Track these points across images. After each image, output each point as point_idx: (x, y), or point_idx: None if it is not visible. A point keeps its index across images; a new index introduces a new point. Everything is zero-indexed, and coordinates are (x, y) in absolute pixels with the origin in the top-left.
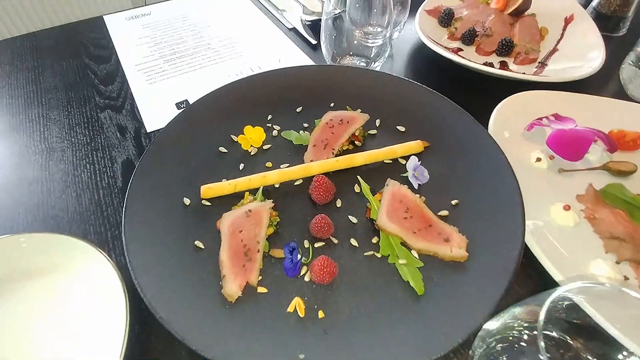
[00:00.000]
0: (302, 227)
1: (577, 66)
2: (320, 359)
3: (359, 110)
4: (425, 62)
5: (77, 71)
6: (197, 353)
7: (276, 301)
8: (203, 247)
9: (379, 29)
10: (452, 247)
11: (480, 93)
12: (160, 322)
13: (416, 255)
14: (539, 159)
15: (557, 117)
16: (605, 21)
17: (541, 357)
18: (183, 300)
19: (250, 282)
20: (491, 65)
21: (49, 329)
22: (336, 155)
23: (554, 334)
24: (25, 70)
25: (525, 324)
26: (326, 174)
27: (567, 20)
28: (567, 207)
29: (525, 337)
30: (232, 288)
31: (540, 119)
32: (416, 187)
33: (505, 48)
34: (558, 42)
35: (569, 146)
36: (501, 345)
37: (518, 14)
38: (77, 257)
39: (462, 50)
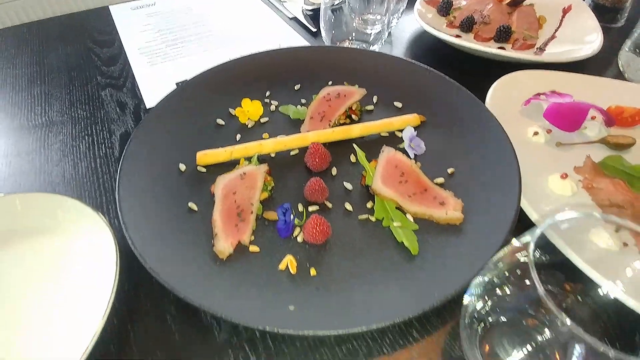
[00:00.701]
0: (296, 193)
1: (576, 49)
2: (311, 312)
3: (357, 86)
4: (423, 49)
5: (81, 54)
6: (185, 304)
7: (268, 260)
8: (196, 209)
9: (378, 17)
10: (448, 210)
11: (479, 77)
12: (149, 282)
13: (411, 219)
14: (536, 133)
15: (555, 93)
16: (603, 12)
17: (537, 288)
18: (174, 256)
19: (242, 242)
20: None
21: (42, 284)
22: (332, 127)
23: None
24: (30, 53)
25: (506, 268)
26: (323, 144)
27: (565, 11)
28: (564, 176)
29: (511, 278)
30: (224, 246)
31: (539, 94)
32: (412, 157)
33: (503, 34)
34: (556, 30)
35: (565, 117)
36: (488, 293)
37: (516, 4)
38: (70, 216)
39: (460, 37)
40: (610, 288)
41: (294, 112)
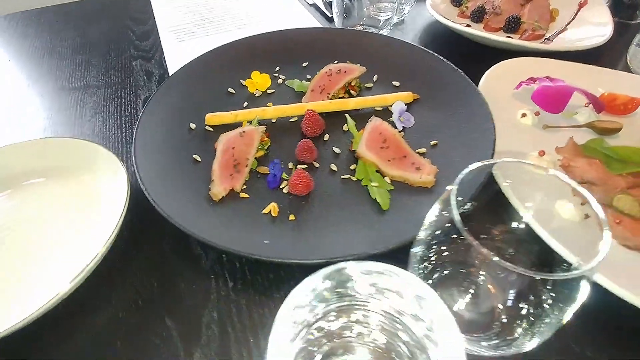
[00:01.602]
0: (289, 153)
1: (584, 39)
2: (281, 245)
3: (358, 65)
4: (435, 37)
5: (119, 30)
6: (180, 237)
7: (254, 205)
8: (200, 160)
9: (389, 4)
10: (422, 174)
11: (485, 64)
12: (154, 218)
13: (388, 181)
14: (524, 115)
15: (548, 78)
16: (622, 9)
17: (458, 226)
18: (175, 194)
19: (234, 189)
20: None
21: (68, 211)
22: (330, 100)
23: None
24: (74, 28)
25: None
26: (318, 114)
27: (581, 5)
28: (541, 153)
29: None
30: (218, 190)
31: (531, 79)
32: (400, 128)
33: (512, 25)
34: (568, 23)
35: (550, 99)
36: (428, 241)
37: None
38: (95, 159)
39: (470, 26)
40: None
41: (298, 85)
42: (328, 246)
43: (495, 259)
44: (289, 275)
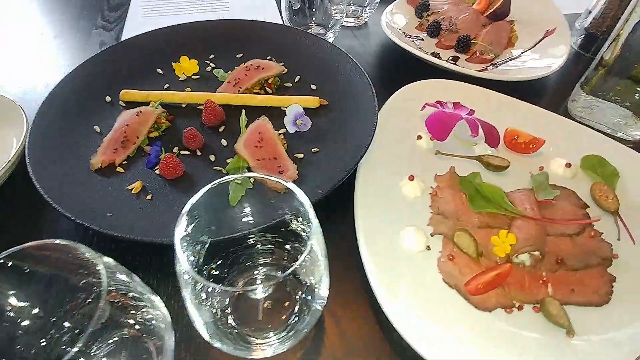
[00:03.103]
0: (181, 138)
1: (529, 70)
2: (122, 220)
3: (282, 63)
4: (390, 43)
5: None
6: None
7: (124, 179)
8: (99, 131)
9: (340, 6)
10: (280, 179)
11: (418, 78)
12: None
13: (252, 180)
14: (419, 137)
15: (456, 105)
16: (593, 43)
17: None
18: (58, 155)
19: (114, 163)
20: (455, 58)
21: None
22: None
23: None
24: None
25: None
26: (228, 106)
27: (547, 33)
28: (411, 178)
29: None
30: (96, 160)
31: (438, 102)
32: (291, 132)
33: (462, 45)
34: (525, 51)
35: (438, 125)
36: None
37: (495, 17)
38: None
39: (422, 40)
40: None
41: (221, 75)
42: (160, 228)
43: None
44: (128, 249)
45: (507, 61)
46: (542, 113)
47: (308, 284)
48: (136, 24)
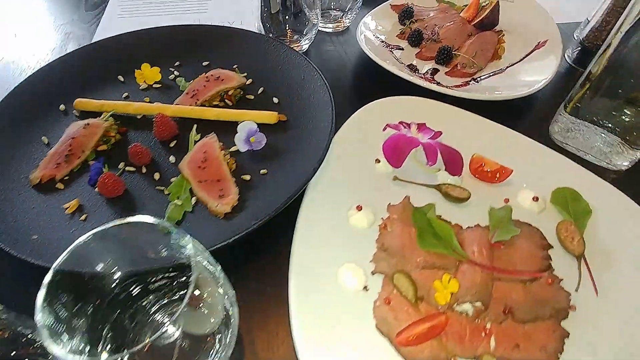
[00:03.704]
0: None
1: (511, 87)
2: (47, 245)
3: (245, 74)
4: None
5: None
6: None
7: (63, 197)
8: (47, 142)
9: (314, 12)
10: (220, 203)
11: (395, 93)
12: None
13: (193, 202)
14: (377, 161)
15: (421, 127)
16: (588, 57)
17: None
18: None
19: (55, 178)
20: (435, 71)
21: None
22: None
23: None
24: None
25: None
26: (183, 119)
27: (538, 46)
28: (359, 208)
29: None
30: (35, 175)
31: (405, 123)
32: (242, 150)
33: (443, 56)
34: (511, 65)
35: (392, 150)
36: None
37: (483, 27)
38: None
39: (402, 50)
40: None
41: (183, 85)
42: None
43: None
44: None
45: (490, 75)
46: (515, 137)
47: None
48: (109, 27)
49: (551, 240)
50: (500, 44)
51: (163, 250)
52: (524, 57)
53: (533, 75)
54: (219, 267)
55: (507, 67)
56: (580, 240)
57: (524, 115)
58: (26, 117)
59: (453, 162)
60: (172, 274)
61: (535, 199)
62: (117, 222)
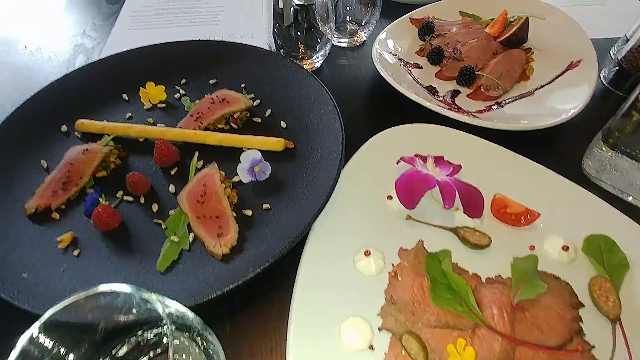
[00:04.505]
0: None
1: (539, 116)
2: (38, 286)
3: (253, 95)
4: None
5: (91, 4)
6: None
7: (57, 228)
8: (46, 167)
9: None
10: (218, 243)
11: (412, 114)
12: None
13: (191, 239)
14: (390, 197)
15: (438, 161)
16: (626, 79)
17: None
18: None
19: (52, 206)
20: (456, 93)
21: None
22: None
23: None
24: None
25: None
26: (185, 143)
27: (571, 66)
28: (367, 253)
29: None
30: (31, 204)
31: (421, 156)
32: (245, 181)
33: (464, 77)
34: (540, 87)
35: (405, 189)
36: None
37: (510, 44)
38: None
39: (420, 68)
40: None
41: (187, 105)
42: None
43: None
44: None
45: (516, 99)
46: (543, 173)
47: None
48: (119, 39)
49: (582, 297)
50: (528, 64)
51: (141, 312)
52: (554, 79)
53: (564, 100)
54: (209, 330)
55: (536, 89)
56: (617, 300)
57: (552, 145)
58: (27, 138)
59: (472, 204)
60: (154, 330)
61: (565, 248)
62: (92, 291)
